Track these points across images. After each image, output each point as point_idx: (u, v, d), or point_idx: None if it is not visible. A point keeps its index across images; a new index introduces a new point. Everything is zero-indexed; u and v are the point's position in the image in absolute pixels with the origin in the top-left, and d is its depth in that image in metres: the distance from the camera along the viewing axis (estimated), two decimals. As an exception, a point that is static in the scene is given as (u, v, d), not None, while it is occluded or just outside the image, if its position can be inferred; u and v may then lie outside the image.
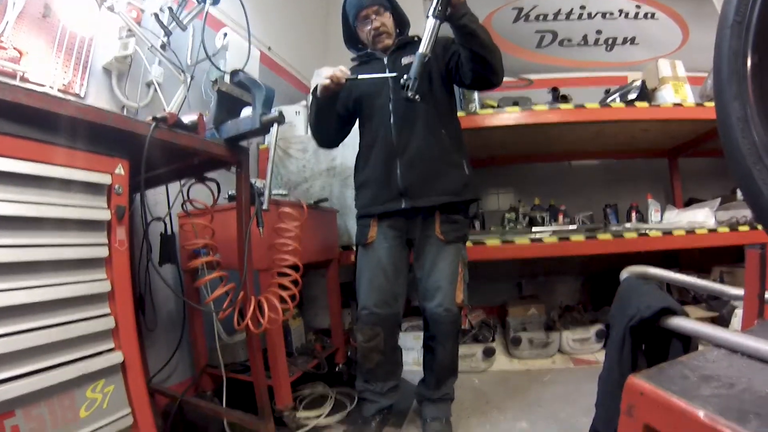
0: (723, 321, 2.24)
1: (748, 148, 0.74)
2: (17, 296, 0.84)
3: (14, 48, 1.38)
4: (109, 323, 1.00)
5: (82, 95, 1.63)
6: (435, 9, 1.41)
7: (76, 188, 0.96)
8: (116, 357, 1.00)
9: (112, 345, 1.01)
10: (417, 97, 1.42)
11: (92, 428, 0.94)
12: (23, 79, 1.42)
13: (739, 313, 2.11)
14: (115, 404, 1.00)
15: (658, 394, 0.61)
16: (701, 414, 0.54)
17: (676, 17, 3.67)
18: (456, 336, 1.68)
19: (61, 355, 0.91)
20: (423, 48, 1.44)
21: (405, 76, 1.43)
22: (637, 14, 3.71)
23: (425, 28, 1.44)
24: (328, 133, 1.78)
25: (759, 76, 0.75)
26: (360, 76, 1.57)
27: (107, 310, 1.00)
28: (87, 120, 0.93)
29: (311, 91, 1.68)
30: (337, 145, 1.87)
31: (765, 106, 0.75)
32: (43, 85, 1.47)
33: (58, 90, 1.53)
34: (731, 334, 0.70)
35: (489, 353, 2.38)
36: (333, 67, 1.57)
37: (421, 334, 1.81)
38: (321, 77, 1.57)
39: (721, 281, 2.54)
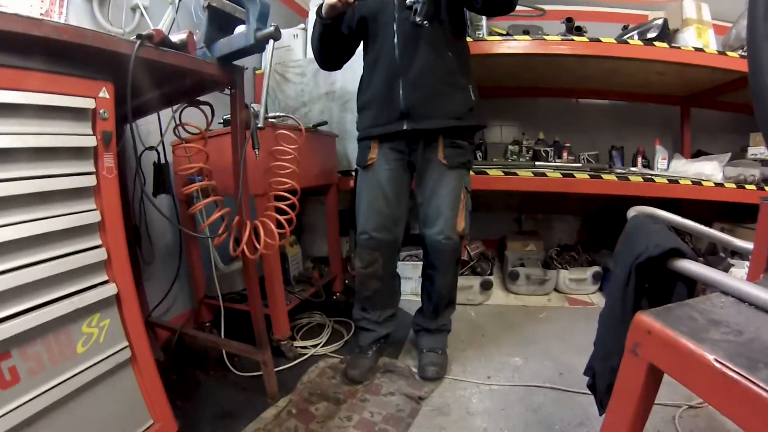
0: (719, 277, 2.27)
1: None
2: (1, 233, 0.80)
3: None
4: (100, 255, 0.96)
5: (61, 21, 1.50)
6: None
7: (56, 115, 0.89)
8: (110, 289, 0.98)
9: (105, 277, 0.98)
10: (425, 22, 1.36)
11: (90, 363, 0.93)
12: None
13: (734, 271, 2.11)
14: (111, 338, 0.99)
15: (666, 334, 0.60)
16: (711, 358, 0.53)
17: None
18: (456, 265, 1.68)
19: (54, 290, 0.88)
20: None
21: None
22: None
23: None
24: (331, 55, 1.70)
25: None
26: None
27: (98, 242, 0.96)
28: (65, 41, 0.84)
29: (316, 11, 1.57)
30: (340, 67, 1.78)
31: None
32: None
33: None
34: (741, 283, 0.69)
35: (486, 286, 2.40)
36: None
37: (420, 263, 1.80)
38: None
39: (722, 237, 2.54)
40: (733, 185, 2.29)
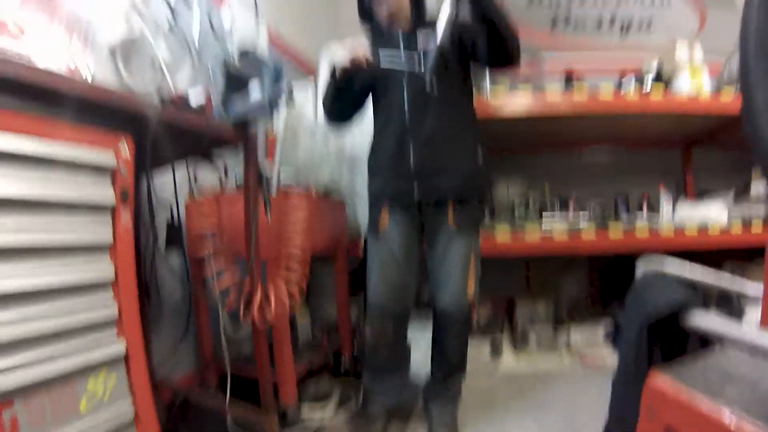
0: (732, 321, 2.22)
1: (775, 133, 0.70)
2: (17, 282, 0.81)
3: (17, 27, 1.34)
4: (112, 312, 0.97)
5: (86, 76, 1.58)
6: None
7: (79, 169, 0.93)
8: (119, 347, 0.98)
9: (115, 334, 0.99)
10: (435, 90, 1.44)
11: (93, 422, 0.92)
12: (28, 59, 1.38)
13: (749, 312, 2.07)
14: (116, 396, 0.98)
15: (681, 394, 0.59)
16: (727, 416, 0.52)
17: (692, 1, 3.57)
18: (466, 332, 1.66)
19: (63, 343, 0.88)
20: (440, 39, 1.40)
21: (423, 67, 1.43)
22: (653, -1, 3.62)
23: (441, 11, 1.38)
24: (341, 114, 1.75)
25: (789, 54, 0.70)
26: (382, 62, 1.54)
27: (111, 298, 0.98)
28: (92, 99, 0.91)
29: (330, 71, 1.64)
30: (351, 122, 1.82)
31: (794, 87, 0.70)
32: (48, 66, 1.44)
33: (64, 71, 1.50)
34: (753, 334, 0.69)
35: (496, 350, 2.37)
36: (352, 41, 1.54)
37: (430, 329, 1.77)
38: (332, 51, 1.53)
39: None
40: (740, 224, 2.29)
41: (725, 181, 2.99)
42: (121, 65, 1.70)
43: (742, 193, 2.61)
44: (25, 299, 0.83)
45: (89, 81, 1.52)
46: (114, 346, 0.97)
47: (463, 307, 1.57)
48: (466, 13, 1.44)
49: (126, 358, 1.00)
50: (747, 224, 2.28)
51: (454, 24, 1.41)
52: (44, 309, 0.86)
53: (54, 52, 1.45)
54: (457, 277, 1.56)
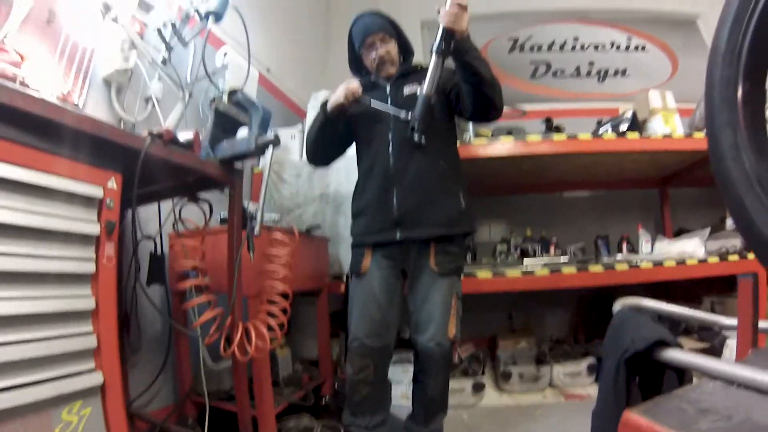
0: (714, 352, 2.24)
1: (739, 176, 0.75)
2: None
3: (16, 52, 1.37)
4: (91, 342, 0.96)
5: (80, 105, 1.61)
6: (439, 46, 1.43)
7: (66, 199, 0.93)
8: (96, 378, 0.96)
9: (92, 365, 0.97)
10: (423, 139, 1.47)
11: (66, 454, 0.89)
12: (23, 83, 1.39)
13: (730, 343, 2.10)
14: (91, 428, 0.95)
15: (654, 430, 0.60)
16: (700, 450, 0.53)
17: (665, 49, 3.81)
18: (447, 370, 1.65)
19: (39, 371, 0.87)
20: (427, 88, 1.47)
21: (410, 116, 1.48)
22: (628, 46, 3.85)
23: (429, 64, 1.46)
24: (325, 150, 1.78)
25: (750, 104, 0.76)
26: (372, 103, 1.59)
27: (90, 329, 0.97)
28: (83, 130, 0.91)
29: (321, 104, 1.68)
30: (328, 164, 1.86)
31: (756, 134, 0.75)
32: (41, 93, 1.46)
33: (57, 98, 1.51)
34: (727, 366, 0.69)
35: (478, 388, 2.34)
36: (347, 84, 1.60)
37: (411, 366, 1.77)
38: (319, 101, 1.58)
39: (712, 311, 2.55)
40: (716, 258, 2.34)
41: (702, 217, 3.10)
42: (114, 96, 1.74)
43: (718, 227, 2.70)
44: (2, 324, 0.82)
45: (82, 112, 1.56)
46: (91, 376, 0.95)
47: (444, 346, 1.57)
48: (450, 64, 1.51)
49: (102, 390, 0.97)
50: (724, 258, 2.35)
51: (441, 74, 1.48)
52: (21, 336, 0.84)
53: (51, 79, 1.49)
54: (438, 318, 1.57)
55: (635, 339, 0.83)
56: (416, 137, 1.47)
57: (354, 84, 1.59)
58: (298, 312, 2.48)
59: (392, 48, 1.75)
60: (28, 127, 0.86)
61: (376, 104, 1.60)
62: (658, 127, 2.62)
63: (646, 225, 3.02)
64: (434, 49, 1.44)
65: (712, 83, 0.81)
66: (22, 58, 1.38)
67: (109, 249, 1.01)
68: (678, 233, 3.04)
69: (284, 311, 1.55)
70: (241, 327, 1.34)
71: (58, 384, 0.89)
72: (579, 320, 3.19)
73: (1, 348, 0.81)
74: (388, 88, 1.73)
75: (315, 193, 2.46)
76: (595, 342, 2.75)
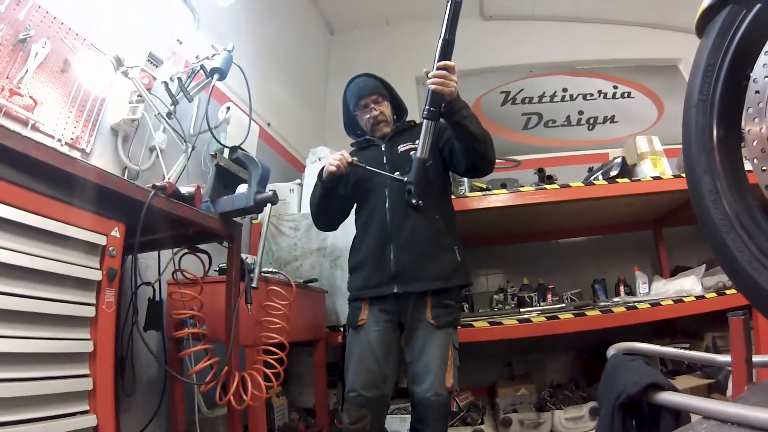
0: (720, 387, 2.21)
1: (720, 218, 0.78)
2: None
3: (30, 96, 1.44)
4: (86, 384, 0.96)
5: (87, 151, 1.68)
6: (429, 111, 1.49)
7: (70, 245, 0.96)
8: (89, 420, 0.95)
9: (87, 407, 0.96)
10: (420, 202, 1.52)
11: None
12: (34, 127, 1.46)
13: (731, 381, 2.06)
14: (82, 471, 0.94)
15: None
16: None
17: (650, 94, 3.96)
18: (445, 420, 1.63)
19: (31, 410, 0.86)
20: (420, 152, 1.53)
21: (406, 179, 1.53)
22: (615, 94, 4.00)
23: (422, 128, 1.51)
24: (329, 216, 1.82)
25: (725, 149, 0.81)
26: (367, 167, 1.63)
27: (86, 371, 0.97)
28: (90, 180, 0.96)
29: (318, 174, 1.74)
30: (336, 227, 1.90)
31: (733, 177, 0.79)
32: (52, 137, 1.52)
33: (66, 144, 1.58)
34: (719, 405, 0.70)
35: None
36: (334, 153, 1.65)
37: (408, 416, 1.75)
38: (317, 156, 1.64)
39: (714, 346, 2.53)
40: (714, 294, 2.34)
41: (698, 253, 3.12)
42: (120, 144, 1.81)
43: (714, 263, 2.70)
44: (2, 362, 0.82)
45: (89, 158, 1.62)
46: (84, 418, 0.95)
47: (442, 396, 1.56)
48: (443, 123, 1.56)
49: (95, 432, 0.96)
50: (721, 293, 2.34)
51: (433, 137, 1.54)
52: (19, 374, 0.85)
53: (62, 125, 1.56)
54: (435, 369, 1.56)
55: (628, 384, 0.85)
56: (413, 201, 1.51)
57: (341, 156, 1.63)
58: (295, 362, 2.47)
59: (386, 108, 1.83)
60: (39, 174, 0.89)
61: (370, 168, 1.64)
62: (647, 170, 2.68)
63: (643, 266, 3.03)
64: (425, 114, 1.50)
65: (688, 131, 0.86)
66: (35, 102, 1.46)
67: (110, 295, 1.03)
68: (675, 272, 3.05)
69: (280, 362, 1.55)
70: (237, 376, 1.34)
71: (52, 424, 0.89)
72: (580, 365, 3.14)
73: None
74: (383, 147, 1.79)
75: (313, 246, 2.49)
76: (596, 386, 2.69)
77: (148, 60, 1.90)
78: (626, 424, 0.85)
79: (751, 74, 0.75)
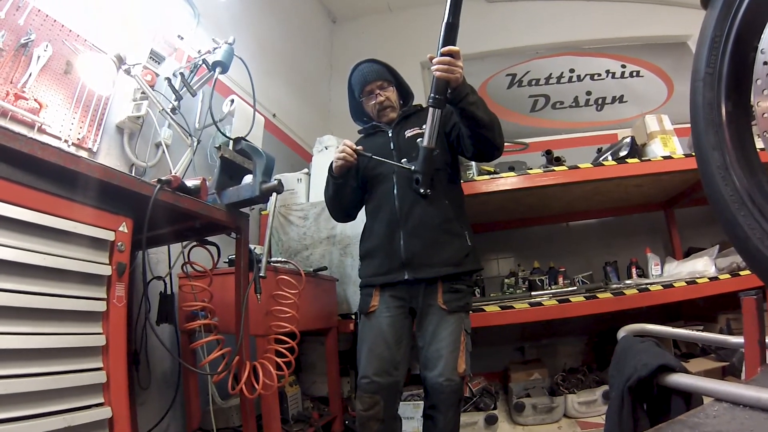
0: (734, 369, 2.18)
1: (730, 195, 0.76)
2: (11, 341, 0.83)
3: (35, 100, 1.46)
4: (100, 378, 0.98)
5: (94, 150, 1.70)
6: (434, 99, 1.47)
7: (79, 241, 0.98)
8: (104, 412, 0.97)
9: (101, 400, 0.99)
10: (428, 191, 1.52)
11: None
12: (40, 130, 1.48)
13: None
14: (98, 462, 0.96)
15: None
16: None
17: (659, 73, 3.86)
18: (457, 405, 1.63)
19: (48, 404, 0.89)
20: (427, 141, 1.52)
21: (413, 169, 1.52)
22: (623, 73, 3.91)
23: (428, 116, 1.50)
24: (344, 207, 1.82)
25: (734, 124, 0.78)
26: (373, 156, 1.63)
27: (100, 365, 0.99)
28: (96, 177, 0.97)
29: (328, 169, 1.74)
30: (354, 218, 1.89)
31: (743, 152, 0.77)
32: (59, 138, 1.54)
33: (72, 144, 1.60)
34: (731, 387, 0.69)
35: (491, 421, 2.29)
36: (341, 141, 1.66)
37: (421, 402, 1.75)
38: (323, 145, 1.63)
39: (728, 328, 2.49)
40: (727, 275, 2.31)
41: (711, 235, 3.06)
42: (126, 141, 1.83)
43: (727, 243, 2.65)
44: (16, 357, 0.84)
45: (96, 157, 1.63)
46: (99, 410, 0.97)
47: (454, 382, 1.56)
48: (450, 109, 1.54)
49: (110, 424, 0.99)
50: (735, 274, 2.31)
51: (440, 124, 1.52)
52: (35, 369, 0.87)
53: (68, 126, 1.57)
54: (447, 354, 1.56)
55: (638, 366, 0.84)
56: (422, 191, 1.51)
57: (345, 147, 1.63)
58: (308, 351, 2.49)
59: (391, 94, 1.81)
60: (46, 174, 0.91)
61: (377, 158, 1.64)
62: (657, 150, 2.63)
63: (655, 247, 3.00)
64: (430, 102, 1.48)
65: (695, 107, 0.84)
66: (40, 105, 1.48)
67: (120, 289, 1.04)
68: (688, 253, 3.00)
69: (291, 350, 1.57)
70: (248, 365, 1.36)
71: (68, 416, 0.91)
72: (592, 348, 3.13)
73: (15, 380, 0.83)
74: (390, 133, 1.78)
75: (322, 235, 2.50)
76: (608, 370, 2.68)
77: (150, 57, 1.91)
78: (636, 407, 0.84)
79: (759, 45, 0.72)
